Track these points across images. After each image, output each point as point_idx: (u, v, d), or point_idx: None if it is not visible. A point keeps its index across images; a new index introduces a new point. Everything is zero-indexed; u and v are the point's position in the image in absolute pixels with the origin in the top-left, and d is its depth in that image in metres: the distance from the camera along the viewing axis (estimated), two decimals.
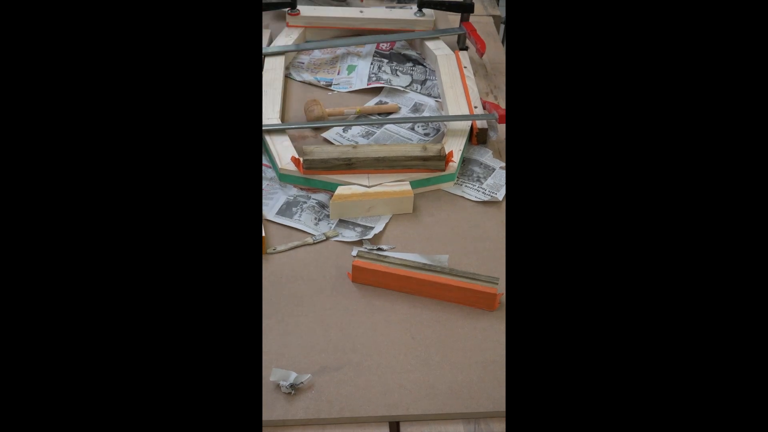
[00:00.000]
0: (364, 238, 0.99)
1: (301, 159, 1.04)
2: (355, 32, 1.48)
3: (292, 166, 1.06)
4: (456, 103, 1.24)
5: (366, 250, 0.95)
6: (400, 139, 1.20)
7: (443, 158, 1.06)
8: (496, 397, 0.79)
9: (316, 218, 1.03)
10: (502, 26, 1.78)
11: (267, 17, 1.57)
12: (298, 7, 1.45)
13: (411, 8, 1.50)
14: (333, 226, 1.01)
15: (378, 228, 1.01)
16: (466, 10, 1.46)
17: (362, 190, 1.04)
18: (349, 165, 1.04)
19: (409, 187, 1.05)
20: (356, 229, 1.02)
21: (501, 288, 0.90)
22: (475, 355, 0.84)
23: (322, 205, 1.05)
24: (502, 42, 1.68)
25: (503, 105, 1.36)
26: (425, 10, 1.48)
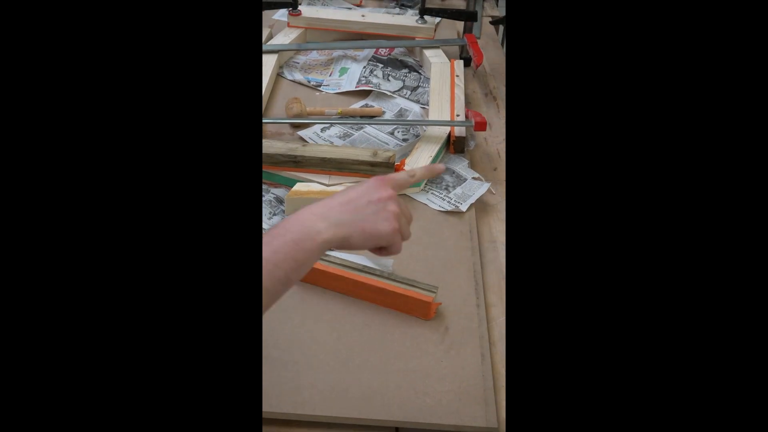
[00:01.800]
0: None
1: None
2: (356, 36, 1.48)
3: None
4: (439, 109, 1.22)
5: None
6: (376, 143, 1.19)
7: (392, 165, 1.03)
8: (408, 408, 0.76)
9: (271, 212, 1.02)
10: (502, 27, 1.75)
11: (270, 17, 1.59)
12: (300, 7, 1.46)
13: (413, 14, 1.50)
14: None
15: None
16: (469, 18, 1.44)
17: (320, 188, 1.02)
18: (296, 163, 1.03)
19: None
20: None
21: (439, 298, 0.87)
22: (398, 362, 0.81)
23: (280, 200, 1.04)
24: (502, 43, 1.65)
25: (503, 106, 1.34)
26: (427, 17, 1.46)
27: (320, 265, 0.89)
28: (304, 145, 1.06)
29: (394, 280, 0.88)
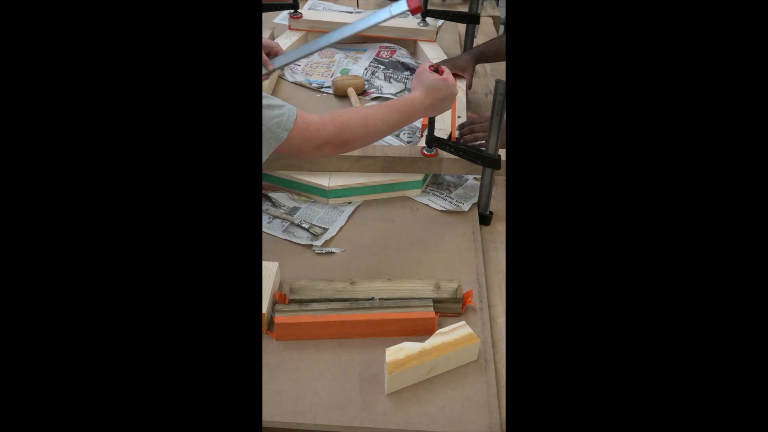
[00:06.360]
0: (314, 243, 0.96)
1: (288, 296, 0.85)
2: (358, 38, 1.47)
3: None
4: None
5: (285, 305, 0.83)
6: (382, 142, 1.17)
7: (460, 300, 0.86)
8: (411, 415, 0.74)
9: (270, 218, 1.01)
10: (502, 27, 1.73)
11: (271, 21, 1.58)
12: (301, 10, 1.45)
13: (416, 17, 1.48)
14: (286, 226, 0.99)
15: (332, 232, 0.98)
16: (472, 20, 1.42)
17: (418, 348, 0.77)
18: (345, 300, 0.84)
19: (470, 331, 0.80)
20: (310, 229, 0.99)
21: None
22: None
23: (275, 205, 1.03)
24: None
25: None
26: (428, 20, 1.45)
27: (307, 317, 0.81)
28: (352, 284, 0.86)
29: (386, 308, 0.82)
